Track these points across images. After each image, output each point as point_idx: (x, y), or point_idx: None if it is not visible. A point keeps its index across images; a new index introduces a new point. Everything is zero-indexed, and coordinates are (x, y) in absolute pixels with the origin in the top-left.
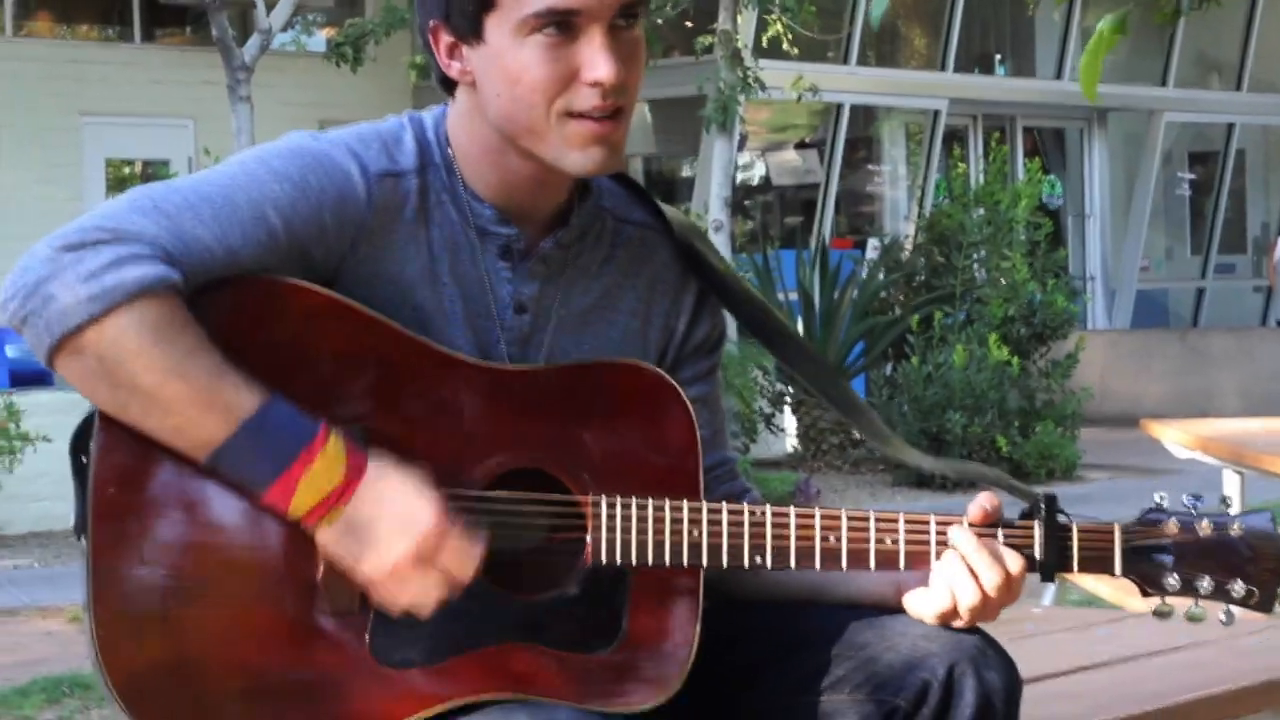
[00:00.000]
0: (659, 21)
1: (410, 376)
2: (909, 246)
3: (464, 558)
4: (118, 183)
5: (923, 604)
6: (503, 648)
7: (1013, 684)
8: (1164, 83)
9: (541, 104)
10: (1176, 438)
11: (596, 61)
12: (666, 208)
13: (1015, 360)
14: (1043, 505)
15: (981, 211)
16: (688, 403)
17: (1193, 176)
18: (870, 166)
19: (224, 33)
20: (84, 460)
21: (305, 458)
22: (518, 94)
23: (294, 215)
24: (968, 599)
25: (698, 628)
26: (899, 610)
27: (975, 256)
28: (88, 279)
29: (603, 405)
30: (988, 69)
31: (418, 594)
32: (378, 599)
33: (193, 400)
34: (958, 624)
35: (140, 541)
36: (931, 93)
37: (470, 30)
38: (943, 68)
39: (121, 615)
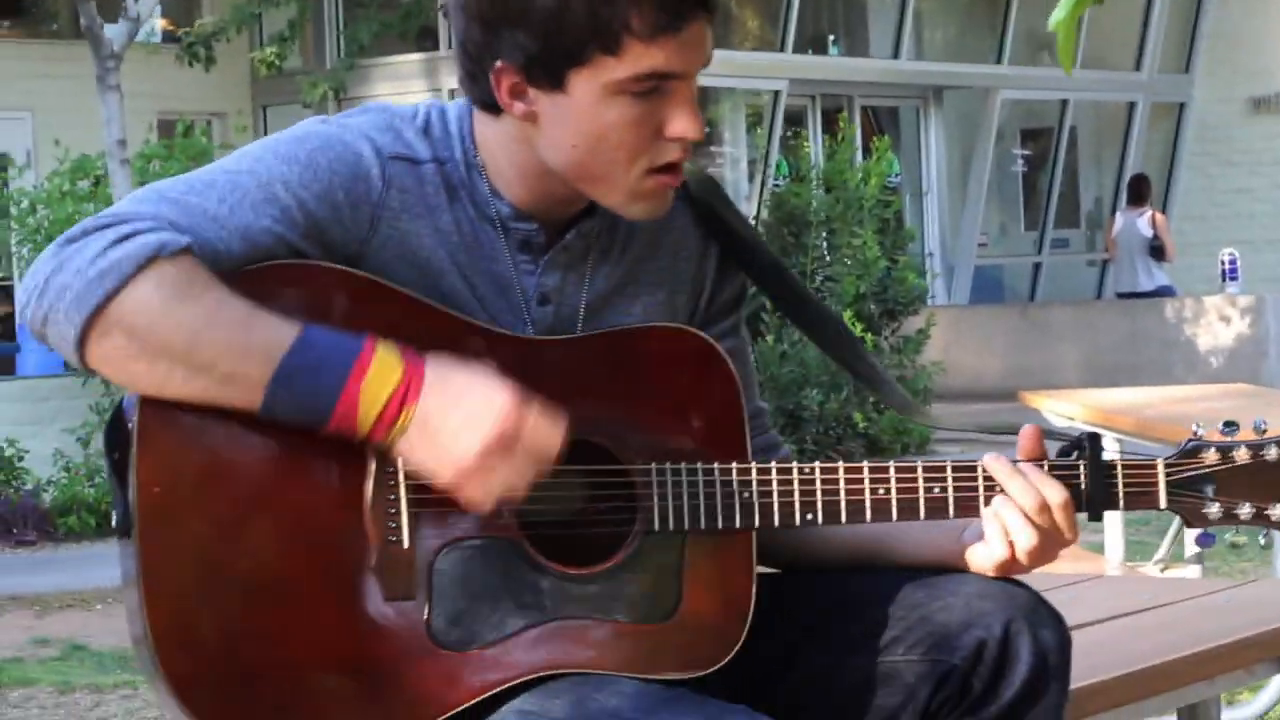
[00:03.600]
0: None
1: (449, 352)
2: (756, 227)
3: (549, 432)
4: None
5: (982, 557)
6: (560, 623)
7: (1065, 641)
8: (999, 60)
9: (626, 162)
10: (1067, 410)
11: (683, 118)
12: (685, 167)
13: (869, 337)
14: (1086, 444)
15: (825, 191)
16: (729, 363)
17: (1027, 153)
18: (713, 148)
19: (92, 21)
20: (115, 454)
21: (359, 367)
22: (600, 149)
23: (304, 192)
24: (1022, 539)
25: (752, 589)
26: (962, 566)
27: (823, 234)
28: (95, 259)
29: (644, 371)
30: (821, 49)
31: (509, 478)
32: (468, 497)
33: (231, 347)
34: (1018, 572)
35: (190, 539)
36: (771, 74)
37: (551, 80)
38: (782, 48)
39: (175, 615)
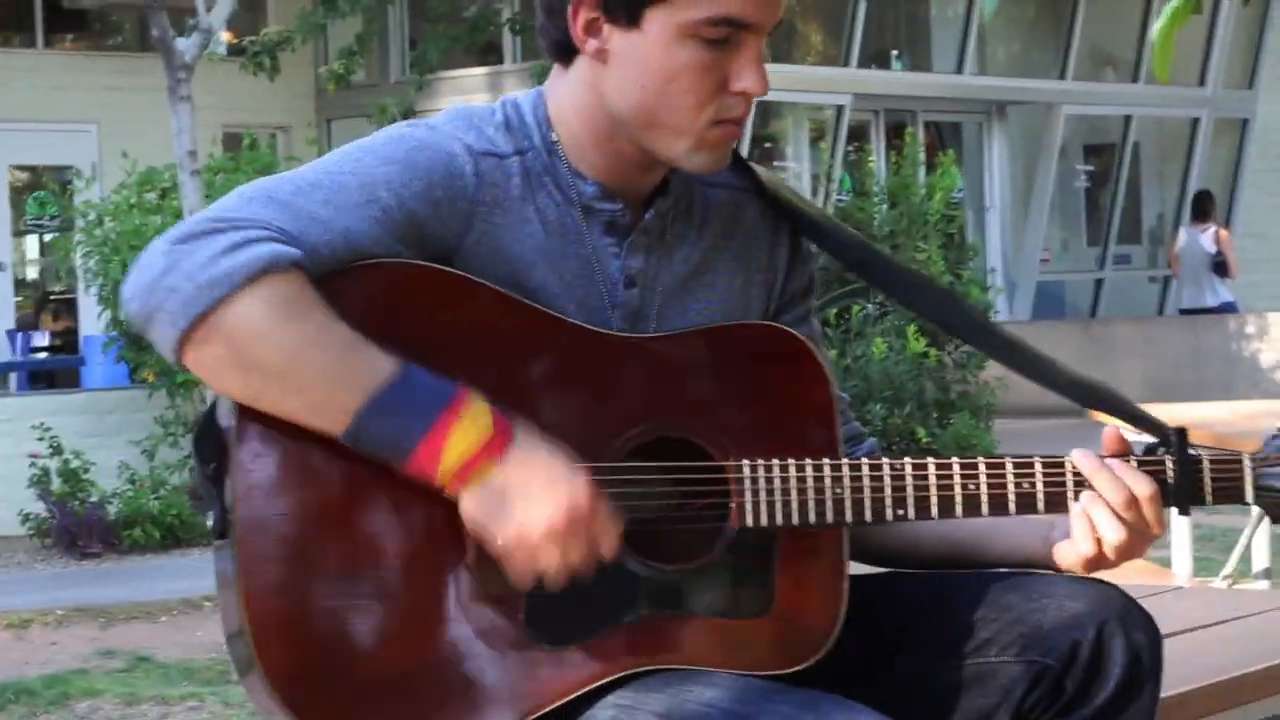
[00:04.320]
0: None
1: (542, 350)
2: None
3: (609, 532)
4: (23, 189)
5: (1069, 553)
6: (655, 619)
7: (1157, 643)
8: (1062, 75)
9: (692, 108)
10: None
11: (751, 74)
12: (751, 164)
13: (932, 352)
14: (1173, 438)
15: (888, 207)
16: (820, 358)
17: (1090, 169)
18: (776, 163)
19: (164, 32)
20: (211, 464)
21: (450, 414)
22: (668, 92)
23: (405, 192)
24: (1109, 534)
25: (845, 585)
26: (1050, 566)
27: (887, 249)
28: (207, 264)
29: (735, 368)
30: (884, 64)
31: (557, 562)
32: (514, 564)
33: (329, 373)
34: (1106, 567)
35: (289, 543)
36: (835, 88)
37: (627, 15)
38: (846, 63)
39: (276, 617)
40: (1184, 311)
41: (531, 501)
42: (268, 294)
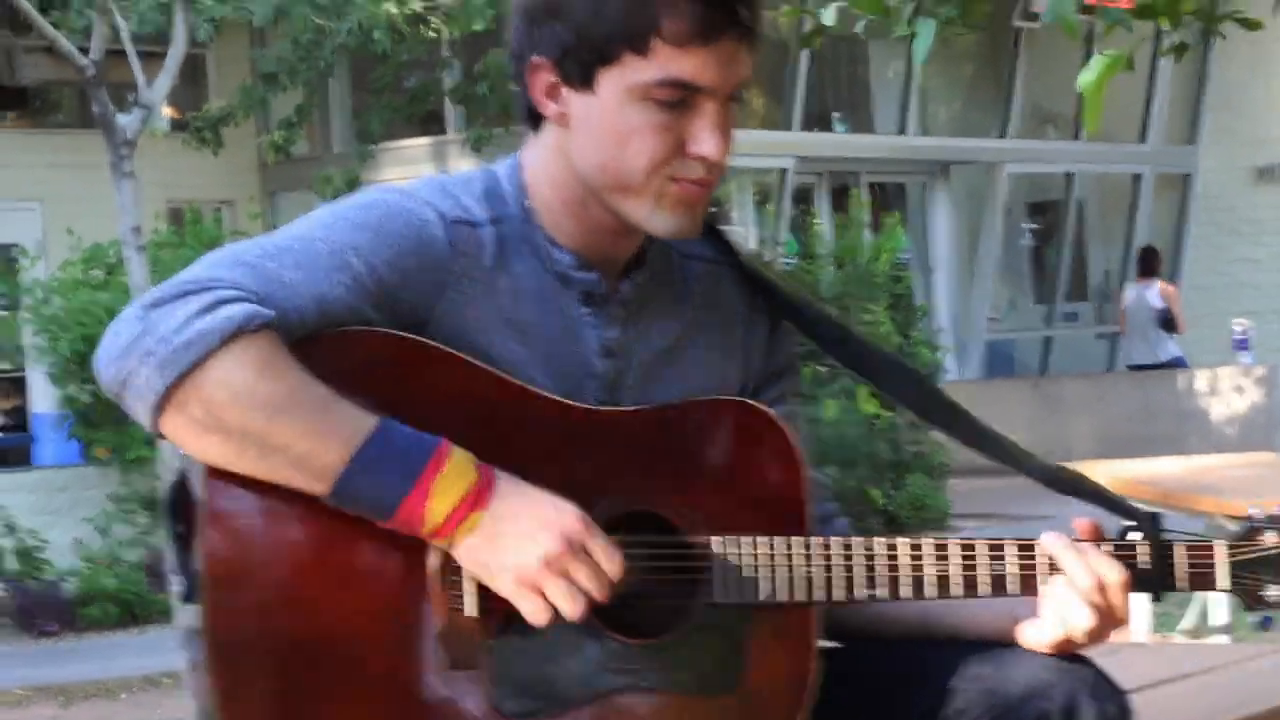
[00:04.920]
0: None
1: (513, 423)
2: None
3: (611, 555)
4: None
5: (1036, 635)
6: (624, 694)
7: (1127, 715)
8: (1004, 134)
9: (646, 168)
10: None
11: (707, 137)
12: (731, 239)
13: (883, 414)
14: (1147, 523)
15: (835, 269)
16: (790, 436)
17: (1034, 226)
18: (720, 227)
19: (106, 109)
20: (182, 528)
21: (435, 464)
22: (623, 154)
23: (376, 259)
24: (1077, 619)
25: (814, 665)
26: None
27: (834, 310)
28: (181, 327)
29: (706, 443)
30: (826, 126)
31: (565, 589)
32: (524, 604)
33: (309, 431)
34: (1072, 650)
35: (256, 609)
36: (778, 151)
37: (581, 78)
38: (788, 126)
39: (243, 683)
40: (1133, 368)
41: (524, 539)
42: (244, 354)
